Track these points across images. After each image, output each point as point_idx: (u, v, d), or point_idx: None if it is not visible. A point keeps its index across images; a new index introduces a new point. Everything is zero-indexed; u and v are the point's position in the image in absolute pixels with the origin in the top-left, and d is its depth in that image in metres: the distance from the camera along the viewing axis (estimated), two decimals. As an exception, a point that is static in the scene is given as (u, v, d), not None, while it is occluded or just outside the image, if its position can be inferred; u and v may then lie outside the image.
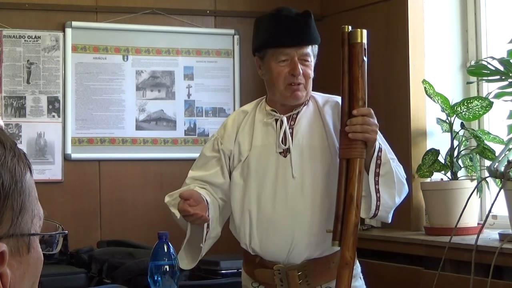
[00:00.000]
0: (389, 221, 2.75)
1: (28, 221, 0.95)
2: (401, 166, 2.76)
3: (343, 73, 2.61)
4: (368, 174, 2.59)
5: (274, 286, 2.67)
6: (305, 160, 2.67)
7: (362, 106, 2.58)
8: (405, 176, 2.73)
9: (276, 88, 2.68)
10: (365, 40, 2.60)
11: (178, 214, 2.59)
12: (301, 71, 2.64)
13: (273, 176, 2.67)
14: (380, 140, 2.68)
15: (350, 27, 2.62)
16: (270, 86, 2.72)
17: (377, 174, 2.61)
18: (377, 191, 2.61)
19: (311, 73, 2.68)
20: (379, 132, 2.68)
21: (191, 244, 2.64)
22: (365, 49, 2.60)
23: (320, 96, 2.79)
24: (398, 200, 2.67)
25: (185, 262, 2.67)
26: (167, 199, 2.73)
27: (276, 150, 2.69)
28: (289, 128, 2.69)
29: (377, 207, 2.62)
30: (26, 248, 0.94)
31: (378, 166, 2.61)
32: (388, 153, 2.69)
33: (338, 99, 2.70)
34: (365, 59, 2.60)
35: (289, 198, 2.65)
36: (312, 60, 2.69)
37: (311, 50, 2.69)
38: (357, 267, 2.77)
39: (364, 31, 2.61)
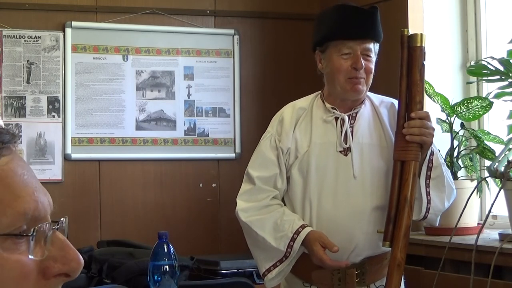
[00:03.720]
0: (437, 224, 2.77)
1: None
2: (449, 171, 2.77)
3: (401, 76, 2.60)
4: (419, 176, 2.60)
5: (331, 286, 2.65)
6: (365, 159, 2.67)
7: (420, 110, 2.59)
8: (453, 181, 2.75)
9: (337, 81, 2.66)
10: (425, 44, 2.60)
11: (281, 246, 2.60)
12: (363, 65, 2.62)
13: (333, 175, 2.66)
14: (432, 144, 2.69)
15: (409, 30, 2.62)
16: (330, 80, 2.70)
17: (428, 177, 2.63)
18: (428, 193, 2.63)
19: (373, 68, 2.66)
20: None
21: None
22: (424, 53, 2.59)
23: (374, 96, 2.79)
24: (447, 204, 2.69)
25: (277, 280, 2.68)
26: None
27: (336, 149, 2.67)
28: (349, 127, 2.69)
29: (427, 210, 2.64)
30: None
31: (429, 169, 2.63)
32: (439, 157, 2.71)
33: (392, 100, 2.71)
34: (425, 62, 2.59)
35: (351, 198, 2.64)
36: (374, 57, 2.67)
37: (373, 47, 2.67)
38: None
39: (424, 35, 2.62)
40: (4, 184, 0.87)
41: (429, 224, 3.04)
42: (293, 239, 2.59)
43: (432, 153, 2.63)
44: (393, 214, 2.56)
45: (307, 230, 2.60)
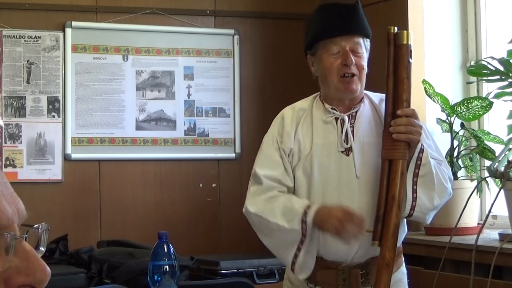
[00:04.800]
0: (428, 222, 2.74)
1: None
2: (449, 168, 2.75)
3: (388, 74, 2.60)
4: (406, 174, 2.60)
5: (335, 286, 2.65)
6: (367, 158, 2.66)
7: (407, 107, 2.59)
8: (452, 178, 2.72)
9: (330, 81, 2.65)
10: (411, 42, 2.60)
11: (295, 225, 2.56)
12: (353, 61, 2.61)
13: (336, 176, 2.65)
14: (429, 141, 2.69)
15: (396, 28, 2.62)
16: (324, 81, 2.69)
17: (416, 175, 2.61)
18: (414, 191, 2.61)
19: (365, 64, 2.65)
20: (428, 131, 2.68)
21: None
22: (410, 50, 2.60)
23: (373, 94, 2.78)
24: (438, 202, 2.65)
25: (306, 269, 2.63)
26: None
27: (338, 149, 2.67)
28: (350, 127, 2.69)
29: (412, 208, 2.61)
30: None
31: (417, 166, 2.61)
32: (438, 154, 2.70)
33: None
34: (411, 60, 2.59)
35: (354, 198, 2.64)
36: (364, 53, 2.66)
37: (363, 43, 2.66)
38: (404, 275, 2.76)
39: (411, 33, 2.61)
40: None
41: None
42: (305, 214, 2.56)
43: (421, 151, 2.62)
44: (382, 213, 2.56)
45: (318, 205, 2.58)
